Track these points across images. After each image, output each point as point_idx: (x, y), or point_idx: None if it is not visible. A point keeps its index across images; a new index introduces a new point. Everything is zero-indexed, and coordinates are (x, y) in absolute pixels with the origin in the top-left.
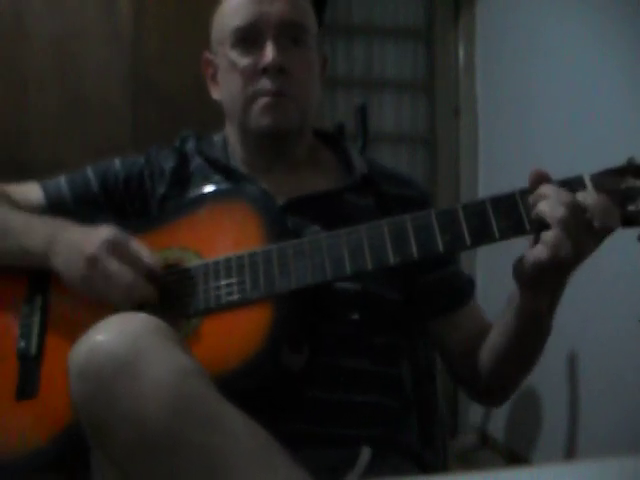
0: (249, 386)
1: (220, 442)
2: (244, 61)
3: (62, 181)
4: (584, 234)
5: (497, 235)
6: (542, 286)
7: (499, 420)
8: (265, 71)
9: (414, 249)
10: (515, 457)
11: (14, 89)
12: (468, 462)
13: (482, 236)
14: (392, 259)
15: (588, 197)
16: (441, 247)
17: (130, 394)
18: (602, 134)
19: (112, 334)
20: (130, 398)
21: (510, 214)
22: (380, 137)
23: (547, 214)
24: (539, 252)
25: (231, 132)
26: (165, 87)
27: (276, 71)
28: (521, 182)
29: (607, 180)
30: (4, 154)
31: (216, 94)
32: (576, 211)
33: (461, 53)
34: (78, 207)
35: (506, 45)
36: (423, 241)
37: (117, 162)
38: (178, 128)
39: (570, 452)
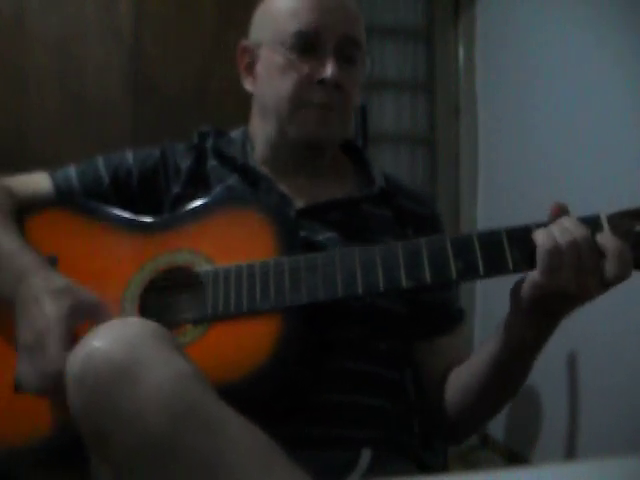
0: (254, 396)
1: (220, 446)
2: (300, 67)
3: (72, 172)
4: (589, 273)
5: (511, 266)
6: (534, 313)
7: (499, 420)
8: (321, 83)
9: (427, 274)
10: (515, 457)
11: (14, 89)
12: (468, 462)
13: (496, 267)
14: (405, 283)
15: (606, 239)
16: (454, 274)
17: (128, 400)
18: (602, 134)
19: (109, 339)
20: (128, 403)
21: (525, 246)
22: (380, 137)
23: (538, 242)
24: (534, 273)
25: (260, 129)
26: (165, 87)
27: (332, 85)
28: (521, 182)
29: (623, 221)
30: (4, 154)
31: (250, 85)
32: (584, 244)
33: (461, 53)
34: (87, 199)
35: (506, 45)
36: (437, 267)
37: (130, 156)
38: (178, 128)
39: (570, 452)
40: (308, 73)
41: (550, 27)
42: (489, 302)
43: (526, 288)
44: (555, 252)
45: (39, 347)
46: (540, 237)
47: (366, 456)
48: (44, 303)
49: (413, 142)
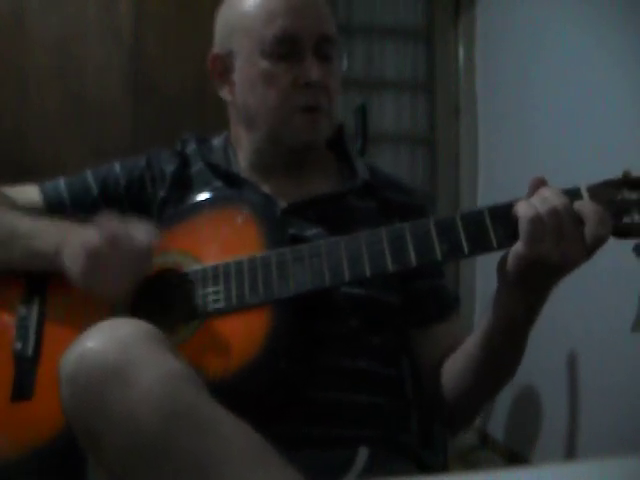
0: (248, 390)
1: (212, 446)
2: (283, 73)
3: (61, 185)
4: (569, 238)
5: (495, 244)
6: (521, 285)
7: (499, 420)
8: (307, 86)
9: (412, 257)
10: (515, 457)
11: (14, 89)
12: (468, 462)
13: (480, 245)
14: (391, 267)
15: (583, 204)
16: (439, 256)
17: (121, 400)
18: (602, 134)
19: (102, 340)
20: (121, 404)
21: (508, 223)
22: (380, 137)
23: (519, 213)
24: (517, 244)
25: (244, 136)
26: (165, 87)
27: (318, 87)
28: (521, 182)
29: (603, 191)
30: (4, 154)
31: (226, 94)
32: (562, 211)
33: (461, 53)
34: (76, 211)
35: (506, 45)
36: (422, 249)
37: (117, 166)
38: (178, 128)
39: (570, 452)
40: (292, 78)
41: (550, 27)
42: (490, 286)
43: (510, 260)
44: (536, 221)
45: (121, 239)
46: (521, 208)
47: (363, 455)
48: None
49: (413, 142)
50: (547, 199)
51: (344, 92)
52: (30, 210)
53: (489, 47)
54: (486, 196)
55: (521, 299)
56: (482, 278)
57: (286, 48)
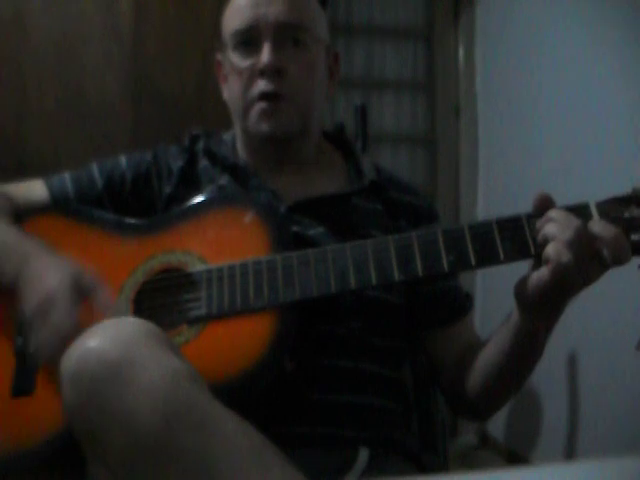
0: (250, 394)
1: (214, 445)
2: (243, 64)
3: (67, 179)
4: (589, 261)
5: (502, 257)
6: (542, 308)
7: (499, 420)
8: (262, 73)
9: (419, 267)
10: (515, 457)
11: (14, 89)
12: (468, 462)
13: (487, 257)
14: (397, 275)
15: (602, 228)
16: (446, 266)
17: (122, 399)
18: (603, 133)
19: (104, 339)
20: (123, 403)
21: (516, 237)
22: (380, 137)
23: (555, 236)
24: (542, 273)
25: (237, 133)
26: (165, 87)
27: (273, 73)
28: (521, 182)
29: (612, 208)
30: (4, 154)
31: (225, 95)
32: (584, 236)
33: (461, 53)
34: (82, 204)
35: (506, 45)
36: (428, 259)
37: (123, 160)
38: (178, 128)
39: (570, 452)
40: (250, 67)
41: (550, 27)
42: (488, 286)
43: (534, 287)
44: (565, 263)
45: (49, 307)
46: (551, 249)
47: (364, 455)
48: (48, 277)
49: (413, 142)
50: (566, 227)
51: (344, 92)
52: (32, 206)
53: (489, 47)
54: (486, 196)
55: (541, 318)
56: (481, 288)
57: (245, 40)
